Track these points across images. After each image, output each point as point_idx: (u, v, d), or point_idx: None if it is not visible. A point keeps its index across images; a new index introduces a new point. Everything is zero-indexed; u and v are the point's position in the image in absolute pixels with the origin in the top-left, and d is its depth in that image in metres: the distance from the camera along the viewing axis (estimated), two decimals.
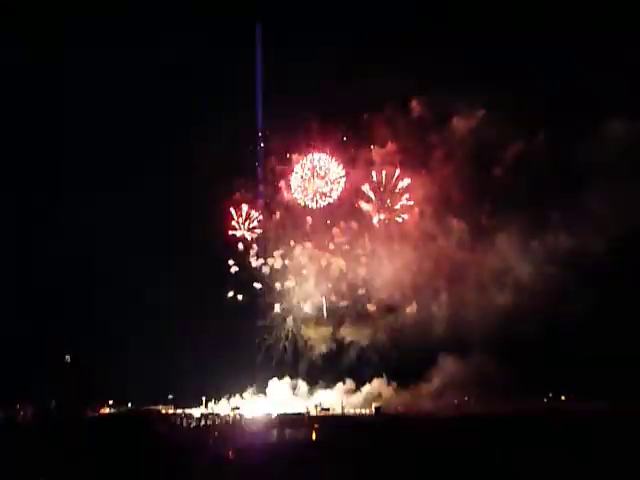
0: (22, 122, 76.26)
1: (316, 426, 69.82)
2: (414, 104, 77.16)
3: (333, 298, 76.92)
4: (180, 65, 77.33)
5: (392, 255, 77.25)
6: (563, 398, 78.66)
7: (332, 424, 71.36)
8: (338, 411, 76.80)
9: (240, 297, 74.48)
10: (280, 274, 77.03)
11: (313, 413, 75.87)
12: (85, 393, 73.64)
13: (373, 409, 75.81)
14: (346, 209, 79.30)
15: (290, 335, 76.36)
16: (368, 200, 79.17)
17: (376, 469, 41.63)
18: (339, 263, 77.17)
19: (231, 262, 75.99)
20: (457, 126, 77.24)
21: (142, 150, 77.76)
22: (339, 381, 77.24)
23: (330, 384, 77.45)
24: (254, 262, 76.01)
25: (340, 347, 75.62)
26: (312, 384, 77.44)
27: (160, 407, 78.24)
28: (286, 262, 76.99)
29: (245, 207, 79.78)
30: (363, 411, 76.60)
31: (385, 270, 77.03)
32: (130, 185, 77.15)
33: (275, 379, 77.07)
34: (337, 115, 79.30)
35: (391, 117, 78.28)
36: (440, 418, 71.85)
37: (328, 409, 77.02)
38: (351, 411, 76.76)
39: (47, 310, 73.63)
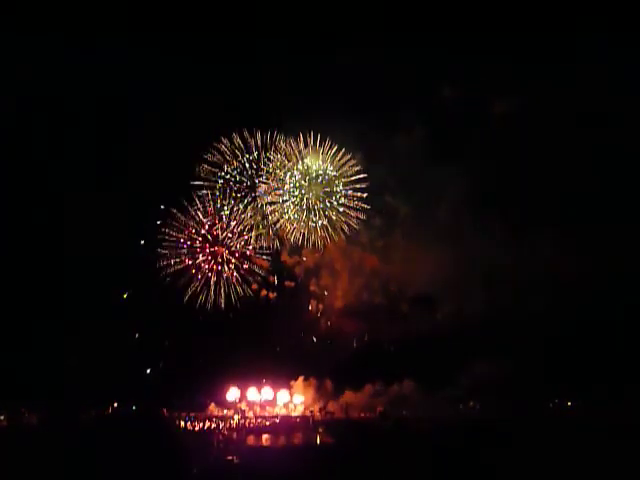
0: None
1: (320, 430, 69.00)
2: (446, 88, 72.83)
3: (366, 295, 73.43)
4: None
5: (425, 252, 73.91)
6: (569, 404, 77.11)
7: (336, 428, 69.45)
8: (349, 414, 74.30)
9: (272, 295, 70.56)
10: (313, 271, 73.07)
11: (318, 416, 73.62)
12: (89, 394, 69.52)
13: (378, 413, 73.57)
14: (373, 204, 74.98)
15: (322, 333, 73.04)
16: (394, 194, 75.27)
17: (378, 472, 41.09)
18: (371, 259, 73.63)
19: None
20: (495, 113, 73.23)
21: None
22: (368, 382, 74.34)
23: (358, 385, 74.49)
24: (288, 259, 71.69)
25: (371, 346, 72.58)
26: (339, 384, 74.31)
27: (164, 408, 74.40)
28: (318, 259, 72.95)
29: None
30: (368, 415, 74.41)
31: (418, 268, 73.74)
32: None
33: (301, 378, 73.89)
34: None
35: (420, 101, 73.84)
36: (447, 422, 70.14)
37: (333, 412, 74.83)
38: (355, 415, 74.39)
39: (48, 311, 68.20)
